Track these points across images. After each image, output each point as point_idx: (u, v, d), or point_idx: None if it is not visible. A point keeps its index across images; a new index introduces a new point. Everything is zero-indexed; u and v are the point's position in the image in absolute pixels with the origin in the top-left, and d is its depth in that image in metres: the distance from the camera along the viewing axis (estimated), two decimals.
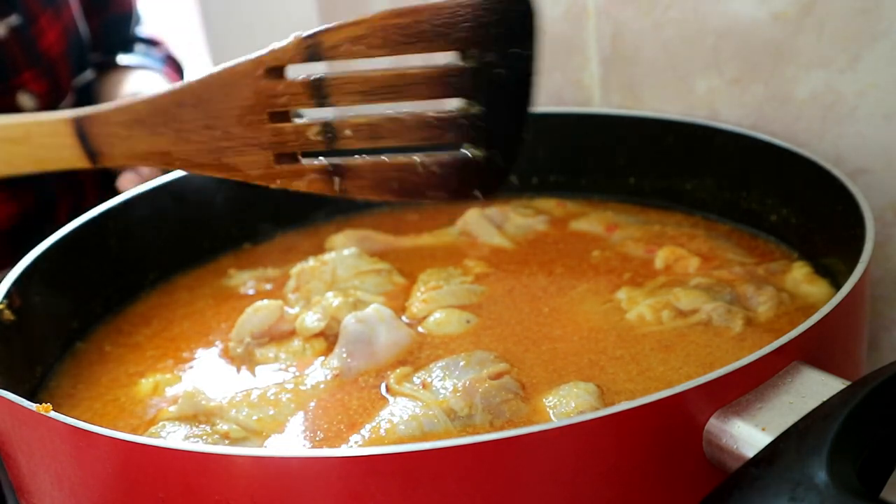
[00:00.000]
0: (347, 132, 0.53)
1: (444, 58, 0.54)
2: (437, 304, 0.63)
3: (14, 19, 0.90)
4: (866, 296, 0.54)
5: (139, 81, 1.01)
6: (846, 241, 0.58)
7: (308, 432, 0.53)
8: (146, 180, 0.80)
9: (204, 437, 0.52)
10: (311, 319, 0.62)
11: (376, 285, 0.68)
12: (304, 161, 0.54)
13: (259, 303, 0.63)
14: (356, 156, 0.54)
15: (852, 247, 0.54)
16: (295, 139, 0.54)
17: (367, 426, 0.51)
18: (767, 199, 0.71)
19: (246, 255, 0.78)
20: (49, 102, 0.94)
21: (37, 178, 0.92)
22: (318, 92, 0.53)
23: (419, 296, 0.65)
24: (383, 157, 0.54)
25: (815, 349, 0.45)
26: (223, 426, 0.52)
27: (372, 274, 0.68)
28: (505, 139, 0.52)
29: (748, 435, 0.41)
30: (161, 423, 0.53)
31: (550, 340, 0.59)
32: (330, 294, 0.64)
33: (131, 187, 0.80)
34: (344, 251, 0.70)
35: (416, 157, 0.53)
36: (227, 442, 0.52)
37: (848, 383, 0.42)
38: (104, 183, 0.97)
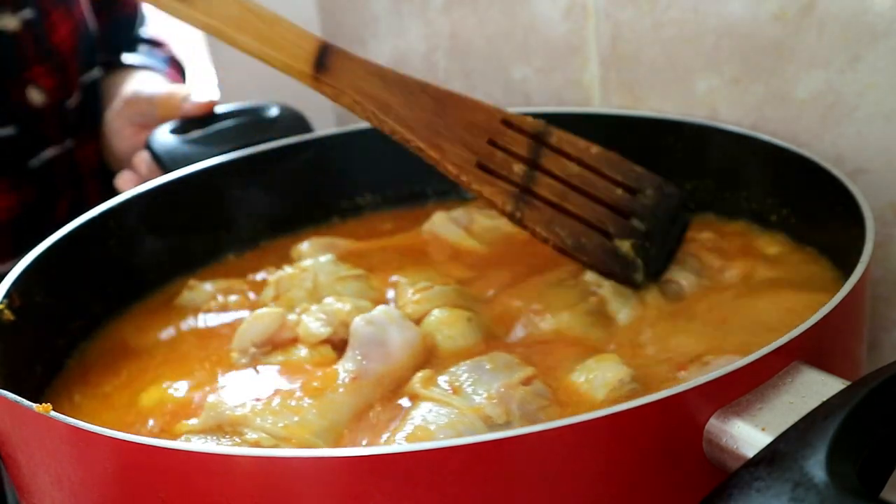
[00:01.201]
0: (544, 185, 0.63)
1: None
2: (432, 303, 0.63)
3: (28, 13, 0.90)
4: (866, 296, 0.53)
5: (141, 81, 1.01)
6: (846, 241, 0.58)
7: (342, 435, 0.52)
8: (145, 180, 0.80)
9: (238, 447, 0.51)
10: (316, 326, 0.61)
11: (359, 290, 0.67)
12: (499, 179, 0.62)
13: (260, 311, 0.62)
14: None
15: (852, 247, 0.54)
16: (501, 163, 0.62)
17: (400, 434, 0.51)
18: (767, 199, 0.71)
19: (207, 271, 0.78)
20: (57, 98, 0.94)
21: (38, 171, 0.92)
22: (533, 155, 0.63)
23: (410, 297, 0.64)
24: (568, 207, 0.63)
25: (815, 349, 0.45)
26: (252, 435, 0.52)
27: (351, 279, 0.68)
28: (653, 259, 0.64)
29: (748, 435, 0.41)
30: (185, 437, 0.53)
31: (550, 339, 0.59)
32: (330, 300, 0.63)
33: (130, 187, 0.80)
34: (321, 258, 0.70)
35: (587, 226, 0.63)
36: None
37: (848, 383, 0.42)
38: (104, 177, 0.97)
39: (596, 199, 0.64)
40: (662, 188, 0.66)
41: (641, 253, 0.63)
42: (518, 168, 0.62)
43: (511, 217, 0.62)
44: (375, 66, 0.63)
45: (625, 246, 0.63)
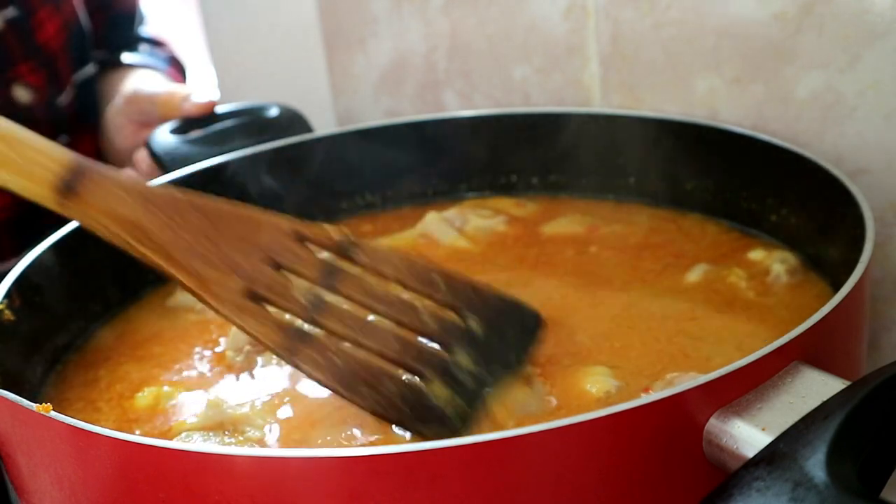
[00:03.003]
0: (334, 314, 0.52)
1: None
2: None
3: (10, 11, 0.90)
4: (866, 296, 0.53)
5: (141, 80, 1.01)
6: (846, 242, 0.58)
7: (345, 433, 0.52)
8: (145, 179, 0.80)
9: (238, 446, 0.51)
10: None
11: None
12: (272, 309, 0.53)
13: None
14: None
15: (852, 247, 0.54)
16: (278, 289, 0.53)
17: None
18: (767, 199, 0.71)
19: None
20: (47, 95, 0.94)
21: None
22: (329, 274, 0.53)
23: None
24: (363, 342, 0.52)
25: (815, 349, 0.45)
26: (255, 433, 0.52)
27: None
28: (470, 403, 0.51)
29: (748, 435, 0.41)
30: (185, 434, 0.53)
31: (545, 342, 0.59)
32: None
33: None
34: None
35: (385, 369, 0.51)
36: None
37: (848, 383, 0.42)
38: None
39: (406, 329, 0.53)
40: (498, 314, 0.54)
41: (456, 399, 0.50)
42: (302, 294, 0.52)
43: (283, 358, 0.51)
44: (137, 185, 0.54)
45: (436, 390, 0.50)
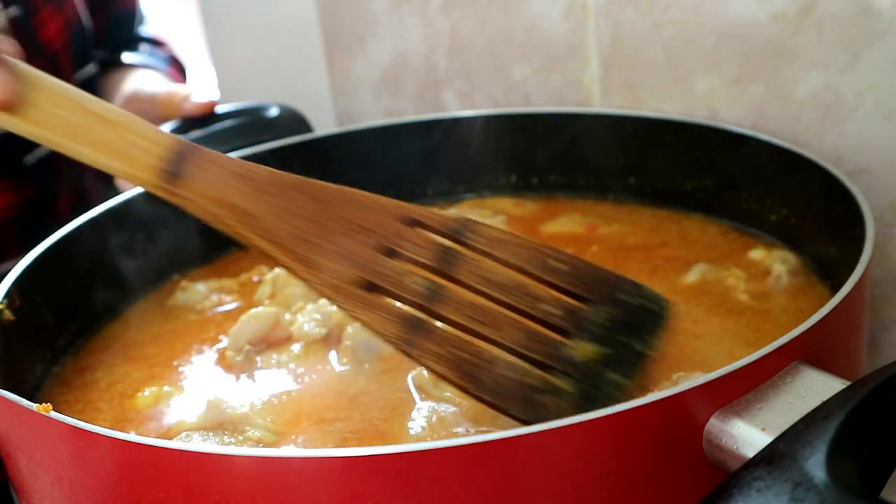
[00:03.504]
0: (452, 302, 0.49)
1: None
2: None
3: (14, 10, 0.90)
4: (866, 296, 0.53)
5: (141, 80, 1.01)
6: (846, 242, 0.58)
7: (343, 434, 0.52)
8: None
9: (237, 446, 0.51)
10: (311, 326, 0.61)
11: None
12: (388, 299, 0.50)
13: (254, 310, 0.63)
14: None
15: (852, 247, 0.54)
16: (392, 278, 0.50)
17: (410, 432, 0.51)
18: (767, 199, 0.71)
19: (201, 271, 0.78)
20: None
21: (35, 167, 0.92)
22: (444, 261, 0.51)
23: None
24: (482, 332, 0.49)
25: (815, 349, 0.45)
26: (255, 433, 0.52)
27: None
28: (592, 395, 0.48)
29: (748, 435, 0.41)
30: (185, 434, 0.53)
31: None
32: (324, 300, 0.63)
33: (131, 186, 0.80)
34: None
35: (505, 358, 0.48)
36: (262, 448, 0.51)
37: (848, 383, 0.42)
38: (105, 175, 0.97)
39: (524, 315, 0.50)
40: (627, 296, 0.51)
41: (575, 390, 0.48)
42: (416, 282, 0.50)
43: (401, 350, 0.49)
44: (243, 166, 0.52)
45: (555, 380, 0.48)
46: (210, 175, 0.52)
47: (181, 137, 0.53)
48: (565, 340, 0.49)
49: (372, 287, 0.50)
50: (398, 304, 0.50)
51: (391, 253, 0.51)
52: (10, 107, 0.50)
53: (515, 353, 0.49)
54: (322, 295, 0.50)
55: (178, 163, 0.52)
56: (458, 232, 0.52)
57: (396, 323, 0.49)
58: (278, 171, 0.53)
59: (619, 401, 0.42)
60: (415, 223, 0.52)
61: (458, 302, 0.50)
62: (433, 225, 0.52)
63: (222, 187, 0.51)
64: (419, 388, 0.55)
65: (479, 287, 0.50)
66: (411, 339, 0.48)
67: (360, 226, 0.51)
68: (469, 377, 0.48)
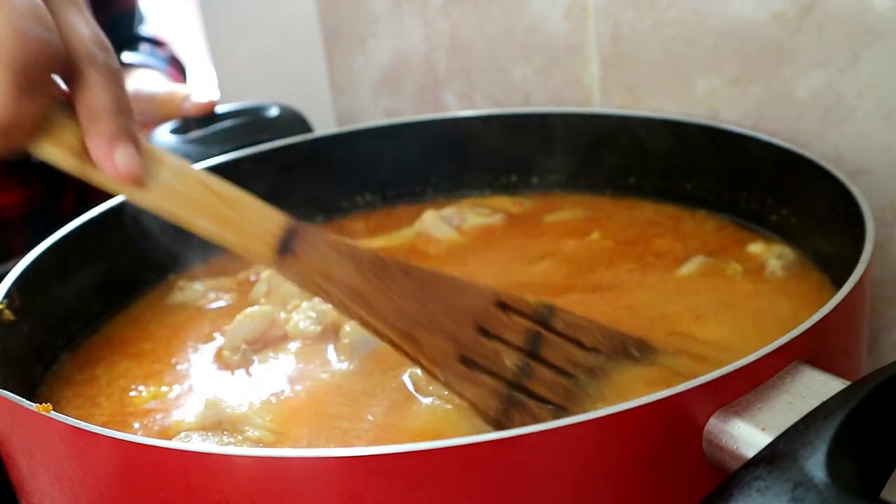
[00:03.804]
0: (541, 379, 0.52)
1: None
2: None
3: None
4: (866, 296, 0.53)
5: (142, 80, 1.01)
6: (846, 242, 0.58)
7: (342, 432, 0.53)
8: None
9: (237, 446, 0.51)
10: (307, 324, 0.62)
11: None
12: (486, 376, 0.52)
13: (250, 309, 0.63)
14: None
15: (852, 247, 0.54)
16: (488, 355, 0.53)
17: (405, 431, 0.51)
18: (767, 198, 0.71)
19: (200, 270, 0.78)
20: None
21: (44, 168, 0.92)
22: (532, 342, 0.53)
23: None
24: (569, 407, 0.52)
25: (815, 349, 0.45)
26: (254, 432, 0.52)
27: None
28: None
29: (748, 435, 0.41)
30: (184, 434, 0.53)
31: None
32: (319, 299, 0.64)
33: None
34: None
35: None
36: (261, 447, 0.51)
37: (848, 383, 0.42)
38: None
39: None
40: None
41: None
42: (510, 360, 0.53)
43: (497, 424, 0.51)
44: (348, 246, 0.55)
45: None
46: (320, 252, 0.54)
47: (291, 217, 0.55)
48: None
49: (469, 362, 0.52)
50: (494, 379, 0.52)
51: (484, 332, 0.53)
52: (138, 182, 0.52)
53: None
54: (421, 368, 0.53)
55: (290, 239, 0.54)
56: (544, 316, 0.55)
57: (494, 397, 0.51)
58: (379, 254, 0.55)
59: None
60: (505, 306, 0.55)
61: (545, 378, 0.52)
62: (521, 307, 0.55)
63: (331, 264, 0.54)
64: (416, 387, 0.55)
65: (563, 367, 0.53)
66: (507, 412, 0.50)
67: (456, 306, 0.54)
68: None
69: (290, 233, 0.54)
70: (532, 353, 0.53)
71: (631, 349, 0.54)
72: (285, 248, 0.54)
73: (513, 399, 0.51)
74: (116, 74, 0.52)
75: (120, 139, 0.51)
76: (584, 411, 0.47)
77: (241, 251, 0.54)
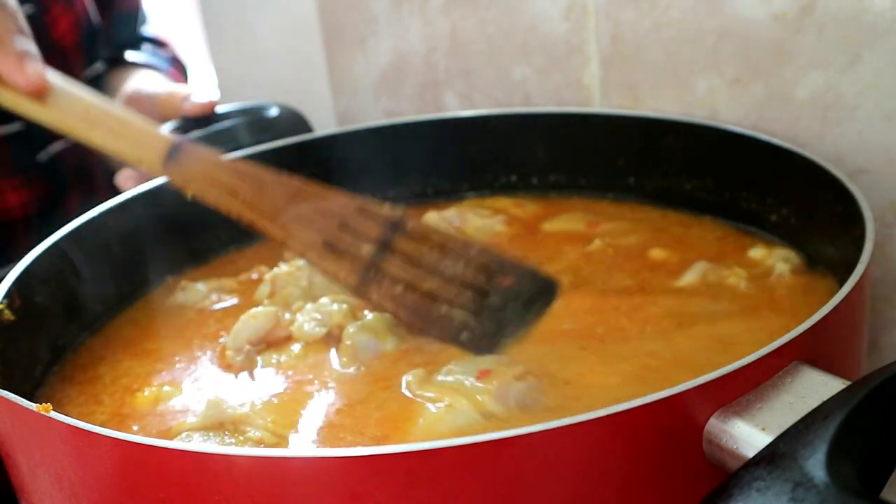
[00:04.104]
0: (393, 264, 0.63)
1: None
2: None
3: (28, 8, 0.90)
4: (866, 296, 0.53)
5: (143, 79, 1.01)
6: (846, 242, 0.58)
7: (343, 433, 0.53)
8: (145, 178, 0.80)
9: (238, 446, 0.51)
10: (311, 326, 0.62)
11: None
12: (346, 259, 0.63)
13: (254, 310, 0.63)
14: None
15: (852, 247, 0.54)
16: (349, 243, 0.64)
17: (403, 433, 0.51)
18: (767, 199, 0.71)
19: (201, 270, 0.78)
20: None
21: (47, 165, 0.92)
22: (385, 238, 0.64)
23: None
24: (414, 283, 0.63)
25: (815, 349, 0.45)
26: (255, 433, 0.52)
27: None
28: (497, 335, 0.61)
29: (748, 435, 0.41)
30: (185, 434, 0.53)
31: (540, 338, 0.59)
32: (326, 300, 0.64)
33: (130, 185, 0.80)
34: None
35: (441, 305, 0.62)
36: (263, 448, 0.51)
37: (848, 383, 0.42)
38: (111, 170, 0.97)
39: (449, 279, 0.63)
40: (524, 277, 0.64)
41: (486, 327, 0.61)
42: (367, 249, 0.63)
43: (355, 291, 0.63)
44: (228, 161, 0.67)
45: (469, 318, 0.61)
46: (202, 161, 0.66)
47: (176, 136, 0.67)
48: (480, 299, 0.62)
49: (332, 248, 0.64)
50: (352, 261, 0.63)
51: (352, 232, 0.64)
52: (41, 94, 0.63)
53: (440, 299, 0.62)
54: (291, 250, 0.65)
55: (175, 151, 0.65)
56: (398, 221, 0.65)
57: (352, 273, 0.63)
58: (259, 167, 0.66)
59: (506, 342, 0.60)
60: (366, 212, 0.65)
61: (398, 263, 0.63)
62: (384, 215, 0.65)
63: (211, 170, 0.65)
64: (414, 389, 0.55)
65: (418, 258, 0.64)
66: (366, 286, 0.62)
67: (323, 209, 0.65)
68: (416, 316, 0.62)
69: (177, 147, 0.66)
70: (386, 245, 0.64)
71: (471, 251, 0.63)
72: (172, 159, 0.65)
73: (368, 277, 0.63)
74: (14, 9, 0.64)
75: (28, 56, 0.62)
76: (428, 286, 0.62)
77: (134, 160, 0.66)
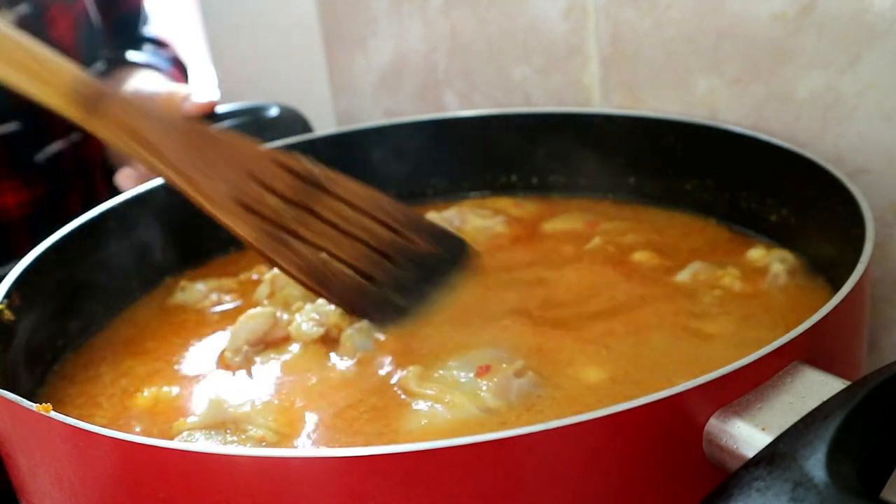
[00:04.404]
0: (304, 224, 0.64)
1: None
2: (423, 307, 0.64)
3: (24, 8, 0.90)
4: (866, 296, 0.53)
5: (144, 79, 1.01)
6: (846, 242, 0.58)
7: (343, 432, 0.53)
8: (145, 178, 0.80)
9: (240, 445, 0.52)
10: (308, 326, 0.62)
11: None
12: (255, 216, 0.63)
13: (251, 311, 0.63)
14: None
15: (852, 247, 0.54)
16: (261, 200, 0.64)
17: (402, 431, 0.51)
18: (767, 199, 0.71)
19: (201, 270, 0.78)
20: None
21: (45, 165, 0.92)
22: (305, 195, 0.65)
23: None
24: (324, 246, 0.64)
25: (815, 349, 0.45)
26: (257, 432, 0.52)
27: None
28: (407, 303, 0.63)
29: (748, 435, 0.41)
30: (186, 433, 0.53)
31: (540, 336, 0.59)
32: (322, 301, 0.64)
33: (131, 186, 0.80)
34: None
35: (346, 270, 0.64)
36: (264, 447, 0.51)
37: (848, 383, 0.42)
38: (112, 171, 0.97)
39: (362, 242, 0.65)
40: (437, 240, 0.67)
41: (400, 296, 0.63)
42: (278, 205, 0.63)
43: (259, 252, 0.62)
44: (146, 107, 0.65)
45: (383, 290, 0.63)
46: (125, 112, 0.64)
47: (100, 80, 0.65)
48: (390, 264, 0.65)
49: (244, 205, 0.63)
50: (262, 219, 0.63)
51: (263, 185, 0.64)
52: None
53: (350, 266, 0.63)
54: (198, 204, 0.63)
55: (97, 100, 0.63)
56: (317, 177, 0.66)
57: (260, 232, 0.62)
58: (180, 118, 0.66)
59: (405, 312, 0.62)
60: (284, 166, 0.65)
61: (310, 224, 0.63)
62: (299, 170, 0.66)
63: (134, 122, 0.64)
64: (412, 389, 0.55)
65: (330, 217, 0.65)
66: (270, 245, 0.62)
67: (240, 162, 0.64)
68: (317, 280, 0.62)
69: (99, 94, 0.64)
70: (303, 204, 0.64)
71: (391, 212, 0.66)
72: (92, 107, 0.63)
73: (278, 237, 0.62)
74: None
75: None
76: (339, 252, 0.63)
77: (43, 100, 0.63)
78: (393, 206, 0.67)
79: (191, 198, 0.62)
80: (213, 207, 0.62)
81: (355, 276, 0.63)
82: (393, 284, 0.63)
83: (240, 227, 0.62)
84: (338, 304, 0.62)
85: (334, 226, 0.64)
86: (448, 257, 0.67)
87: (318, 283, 0.62)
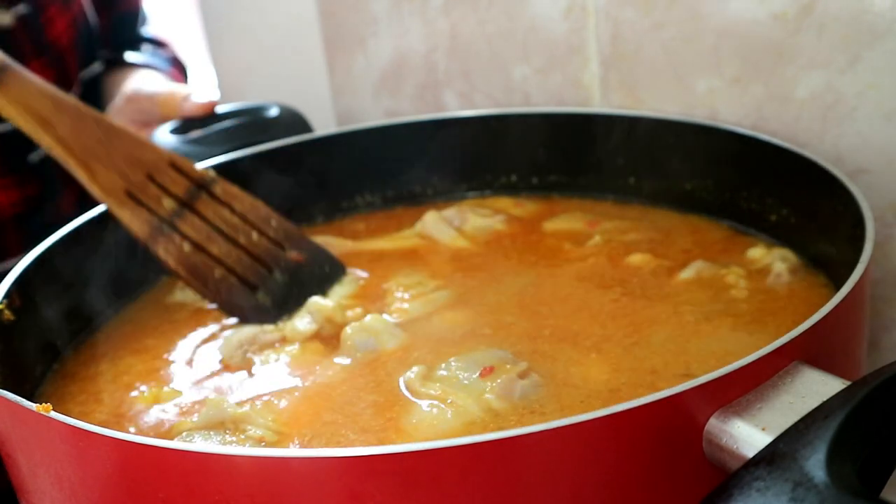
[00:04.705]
0: (190, 224, 0.68)
1: None
2: (425, 307, 0.64)
3: (22, 8, 0.90)
4: (866, 296, 0.53)
5: (142, 79, 1.01)
6: (846, 242, 0.58)
7: (343, 432, 0.53)
8: None
9: (239, 445, 0.52)
10: (303, 323, 0.62)
11: (345, 287, 0.70)
12: (144, 210, 0.67)
13: None
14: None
15: (852, 247, 0.54)
16: (151, 195, 0.67)
17: (404, 431, 0.51)
18: (767, 199, 0.71)
19: None
20: None
21: (39, 165, 0.92)
22: (191, 196, 0.69)
23: (398, 296, 0.66)
24: (206, 247, 0.68)
25: (815, 349, 0.45)
26: (256, 432, 0.52)
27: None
28: (278, 308, 0.67)
29: (748, 435, 0.41)
30: (186, 433, 0.53)
31: (541, 337, 0.59)
32: (315, 298, 0.65)
33: None
34: None
35: (222, 268, 0.68)
36: (263, 447, 0.51)
37: (848, 383, 0.42)
38: None
39: (241, 247, 0.69)
40: (315, 256, 0.71)
41: (269, 301, 0.67)
42: (168, 203, 0.67)
43: (144, 244, 0.66)
44: (51, 91, 0.67)
45: (248, 291, 0.67)
46: (24, 88, 0.66)
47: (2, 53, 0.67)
48: (265, 270, 0.69)
49: (133, 198, 0.67)
50: (150, 214, 0.67)
51: (156, 183, 0.68)
52: None
53: (226, 266, 0.67)
54: (92, 192, 0.66)
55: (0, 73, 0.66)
56: (206, 181, 0.69)
57: (145, 224, 0.66)
58: (81, 104, 0.68)
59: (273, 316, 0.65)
60: (177, 167, 0.69)
61: (193, 224, 0.67)
62: (189, 171, 0.69)
63: (32, 99, 0.66)
64: (412, 389, 0.55)
65: (212, 219, 0.69)
66: (154, 237, 0.66)
67: (134, 156, 0.68)
68: (196, 277, 0.66)
69: (1, 67, 0.66)
70: (189, 204, 0.68)
71: (271, 222, 0.70)
72: None
73: (162, 230, 0.66)
74: None
75: None
76: (216, 251, 0.67)
77: None
78: (277, 220, 0.71)
79: (83, 184, 0.66)
80: (105, 196, 0.66)
81: (231, 276, 0.67)
82: (265, 289, 0.67)
83: (128, 218, 0.66)
84: (211, 301, 0.67)
85: (218, 230, 0.68)
86: (320, 271, 0.71)
87: (195, 279, 0.66)
